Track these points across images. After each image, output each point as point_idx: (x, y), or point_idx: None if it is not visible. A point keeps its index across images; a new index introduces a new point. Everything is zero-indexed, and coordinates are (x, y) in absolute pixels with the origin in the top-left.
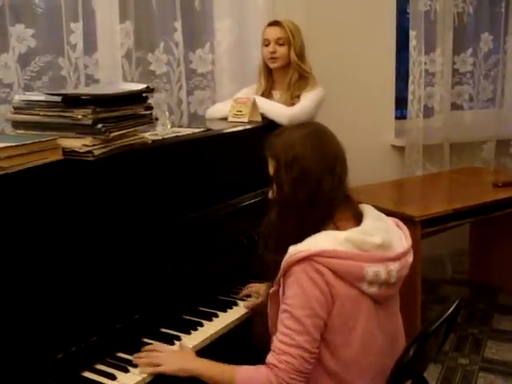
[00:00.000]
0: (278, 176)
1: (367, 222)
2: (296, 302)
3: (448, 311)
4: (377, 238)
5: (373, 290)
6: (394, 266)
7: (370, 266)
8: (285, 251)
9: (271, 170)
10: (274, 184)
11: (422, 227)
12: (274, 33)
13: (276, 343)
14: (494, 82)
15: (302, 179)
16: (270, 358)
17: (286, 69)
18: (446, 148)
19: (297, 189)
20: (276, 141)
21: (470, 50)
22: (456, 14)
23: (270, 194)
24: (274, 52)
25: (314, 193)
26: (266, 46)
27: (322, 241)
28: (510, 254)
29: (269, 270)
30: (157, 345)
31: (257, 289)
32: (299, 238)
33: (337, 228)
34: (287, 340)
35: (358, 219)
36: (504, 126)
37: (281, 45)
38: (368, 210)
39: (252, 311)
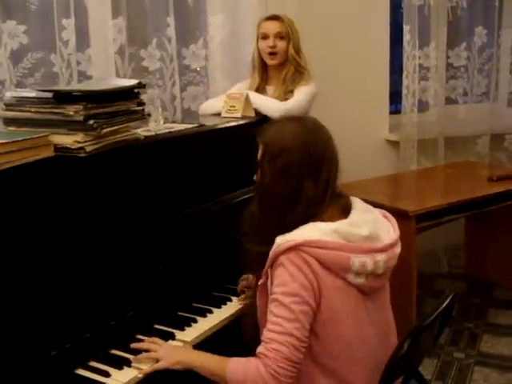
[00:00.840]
0: (262, 164)
1: (354, 214)
2: (284, 289)
3: (442, 305)
4: (364, 230)
5: (359, 280)
6: (381, 257)
7: (356, 257)
8: (267, 243)
9: (259, 155)
10: (259, 170)
11: (416, 222)
12: (274, 27)
13: (265, 333)
14: (488, 76)
15: (283, 173)
16: (259, 348)
17: (283, 64)
18: (440, 142)
19: (277, 182)
20: (270, 128)
21: (463, 44)
22: (450, 8)
23: (255, 178)
24: (274, 46)
25: (294, 191)
26: (264, 39)
27: (309, 231)
28: (505, 248)
29: (252, 260)
30: (153, 339)
31: (250, 282)
32: (281, 232)
33: (324, 221)
34: (276, 328)
35: (345, 213)
36: (498, 120)
37: (281, 38)
38: (355, 203)
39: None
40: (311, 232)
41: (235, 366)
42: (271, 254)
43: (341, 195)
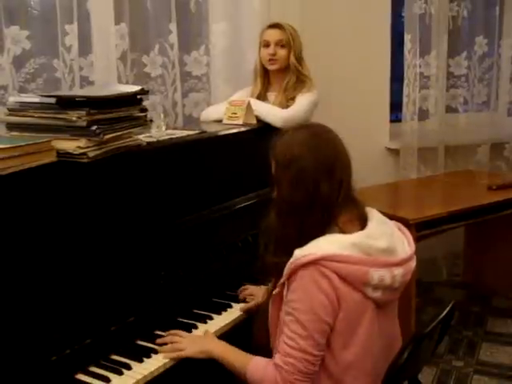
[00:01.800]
0: (277, 177)
1: (372, 226)
2: (300, 306)
3: (442, 314)
4: (382, 243)
5: (377, 294)
6: (398, 271)
7: (375, 271)
8: (285, 253)
9: (272, 170)
10: (275, 185)
11: (416, 230)
12: (275, 35)
13: (282, 345)
14: (488, 85)
15: (298, 180)
16: (277, 358)
17: (284, 71)
18: (440, 151)
19: (294, 190)
20: (278, 141)
21: (464, 53)
22: (451, 18)
23: (273, 195)
24: (274, 54)
25: (311, 195)
26: (266, 47)
27: (328, 244)
28: (504, 257)
29: (270, 271)
30: (175, 331)
31: (251, 291)
32: (299, 241)
33: (341, 231)
34: (292, 343)
35: (362, 222)
36: (498, 129)
37: (282, 46)
38: (372, 213)
39: (247, 314)
40: (330, 245)
41: (255, 367)
42: (289, 266)
43: (356, 201)
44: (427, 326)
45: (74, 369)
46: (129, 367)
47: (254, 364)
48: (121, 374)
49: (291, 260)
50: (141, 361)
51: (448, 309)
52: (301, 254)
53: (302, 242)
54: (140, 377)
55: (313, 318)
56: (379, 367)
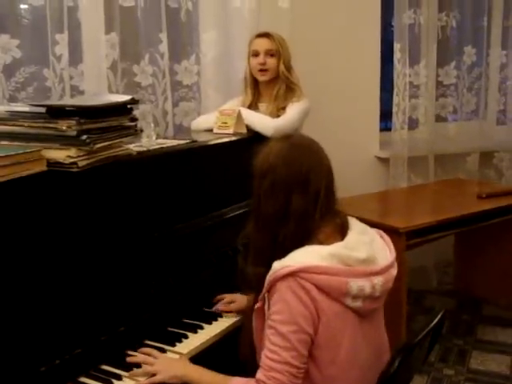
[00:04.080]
0: (254, 187)
1: (351, 237)
2: (281, 318)
3: (433, 322)
4: (361, 253)
5: (357, 304)
6: (378, 280)
7: (354, 281)
8: (262, 265)
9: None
10: (253, 195)
11: (406, 238)
12: (265, 44)
13: (264, 359)
14: (477, 94)
15: (271, 192)
16: (259, 374)
17: (274, 81)
18: (430, 160)
19: (268, 201)
20: (259, 153)
21: (453, 63)
22: (440, 28)
23: (252, 206)
24: (263, 63)
25: (284, 207)
26: (255, 56)
27: (306, 256)
28: (494, 265)
29: (249, 281)
30: (148, 350)
31: (230, 299)
32: (275, 252)
33: (320, 242)
34: (274, 356)
35: (342, 232)
36: (488, 137)
37: (271, 55)
38: (352, 224)
39: (236, 322)
40: (308, 257)
41: None
42: (268, 279)
43: (338, 213)
44: (417, 335)
45: (64, 379)
46: (119, 377)
47: (234, 383)
48: None
49: (270, 273)
50: (131, 371)
51: (438, 317)
52: (279, 266)
53: (279, 254)
54: None
55: (294, 329)
56: (368, 377)
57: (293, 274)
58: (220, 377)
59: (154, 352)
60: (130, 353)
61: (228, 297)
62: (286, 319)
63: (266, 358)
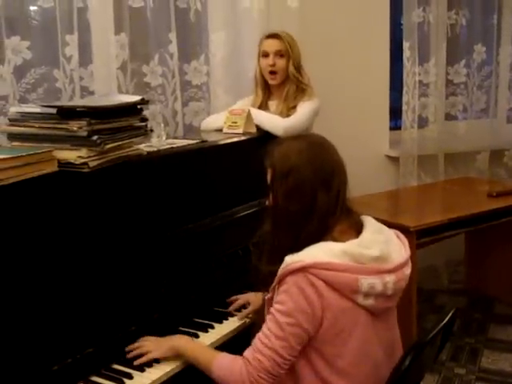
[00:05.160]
0: (274, 186)
1: (365, 235)
2: (282, 308)
3: (444, 321)
4: (374, 251)
5: (369, 302)
6: (390, 278)
7: (364, 278)
8: (280, 262)
9: (268, 178)
10: (270, 193)
11: (417, 237)
12: (274, 45)
13: (256, 341)
14: (487, 92)
15: (296, 191)
16: (246, 352)
17: (284, 81)
18: (440, 158)
19: (291, 200)
20: (275, 150)
21: (463, 61)
22: (449, 26)
23: (267, 203)
24: (273, 65)
25: (308, 206)
26: (265, 57)
27: (318, 252)
28: (505, 264)
29: (263, 280)
30: (143, 338)
31: (244, 300)
32: (294, 250)
33: (335, 240)
34: (265, 341)
35: (357, 231)
36: (498, 136)
37: (281, 56)
38: (367, 222)
39: (247, 321)
40: (320, 253)
41: (222, 361)
42: (280, 272)
43: (351, 211)
44: (429, 333)
45: (76, 378)
46: (130, 376)
47: (221, 358)
48: (122, 383)
49: (282, 266)
50: (142, 370)
51: (450, 316)
52: (291, 260)
53: (297, 251)
54: None
55: (291, 322)
56: (380, 374)
57: (303, 270)
58: (210, 351)
59: (146, 337)
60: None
61: (242, 298)
62: (286, 311)
63: (258, 339)
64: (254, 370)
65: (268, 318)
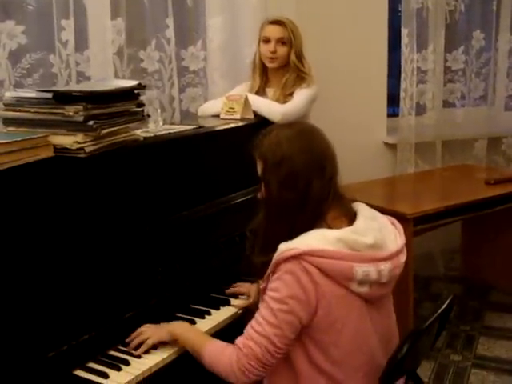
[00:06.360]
0: (266, 177)
1: (359, 222)
2: (276, 295)
3: (441, 308)
4: (369, 239)
5: (363, 289)
6: (384, 266)
7: (359, 266)
8: (274, 251)
9: (259, 170)
10: (262, 184)
11: (414, 224)
12: (276, 31)
13: (248, 328)
14: (485, 79)
15: (289, 180)
16: (238, 339)
17: (284, 68)
18: (438, 145)
19: (284, 190)
20: (264, 141)
21: (461, 48)
22: (448, 12)
23: (259, 195)
24: (274, 52)
25: (302, 194)
26: (266, 43)
27: (313, 240)
28: (501, 251)
29: (258, 269)
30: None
31: (247, 290)
32: (289, 239)
33: (328, 227)
34: (258, 328)
35: (351, 218)
36: (496, 123)
37: (282, 44)
38: (361, 209)
39: (244, 309)
40: (315, 240)
41: (213, 347)
42: (274, 259)
43: (343, 197)
44: (426, 320)
45: (72, 365)
46: (127, 363)
47: (212, 344)
48: (119, 369)
49: (276, 254)
50: (139, 356)
51: (447, 303)
52: (285, 247)
53: (291, 239)
54: (138, 372)
55: (285, 309)
56: (377, 362)
57: (297, 257)
58: (203, 337)
59: (146, 324)
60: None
61: (244, 287)
62: (280, 298)
63: (250, 327)
64: (245, 357)
65: (261, 305)
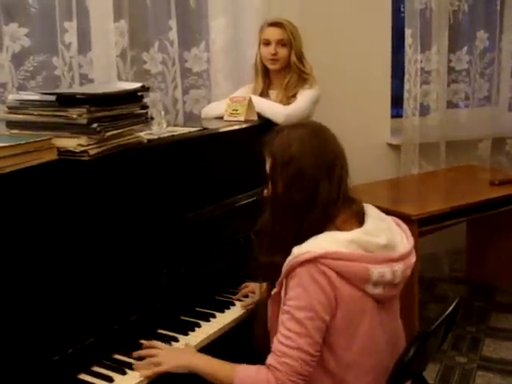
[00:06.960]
0: (274, 175)
1: (370, 222)
2: (298, 303)
3: (448, 310)
4: (381, 239)
5: (377, 291)
6: (398, 267)
7: (375, 267)
8: (280, 252)
9: (267, 167)
10: (270, 182)
11: (419, 226)
12: (276, 33)
13: (276, 345)
14: (489, 79)
15: (298, 180)
16: (270, 359)
17: (285, 70)
18: (442, 146)
19: (292, 189)
20: (274, 139)
21: (465, 48)
22: (451, 12)
23: (265, 192)
24: (275, 53)
25: (310, 195)
26: (266, 45)
27: (326, 242)
28: (506, 252)
29: (264, 270)
30: (154, 343)
31: (252, 288)
32: (297, 240)
33: (337, 228)
34: (288, 342)
35: (359, 219)
36: (500, 124)
37: (283, 45)
38: (369, 210)
39: (249, 311)
40: (329, 243)
41: (244, 373)
42: (287, 264)
43: (353, 199)
44: (433, 322)
45: (77, 369)
46: (131, 367)
47: (242, 371)
48: (124, 373)
49: (289, 258)
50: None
51: (453, 305)
52: (299, 251)
53: (300, 241)
54: (143, 377)
55: (310, 316)
56: (384, 364)
57: (313, 260)
58: (228, 364)
59: (158, 343)
60: (142, 341)
61: (251, 286)
62: (304, 305)
63: (279, 343)
64: (284, 375)
65: (284, 317)
